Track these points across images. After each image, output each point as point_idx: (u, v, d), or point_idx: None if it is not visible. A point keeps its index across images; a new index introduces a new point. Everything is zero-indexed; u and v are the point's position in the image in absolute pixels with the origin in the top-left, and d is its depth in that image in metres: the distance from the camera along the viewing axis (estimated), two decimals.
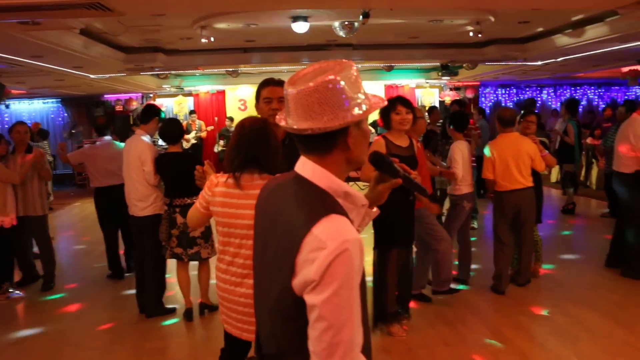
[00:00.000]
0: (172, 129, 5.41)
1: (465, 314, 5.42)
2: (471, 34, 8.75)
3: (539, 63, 12.28)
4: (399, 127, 4.67)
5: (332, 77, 1.51)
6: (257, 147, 2.82)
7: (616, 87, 19.08)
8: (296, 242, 1.46)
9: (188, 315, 5.46)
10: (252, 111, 16.46)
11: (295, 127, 1.55)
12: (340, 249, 1.40)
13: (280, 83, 3.29)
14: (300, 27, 7.81)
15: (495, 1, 6.20)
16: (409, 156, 4.63)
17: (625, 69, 14.04)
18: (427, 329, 5.06)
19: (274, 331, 1.62)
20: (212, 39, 8.41)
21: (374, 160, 1.80)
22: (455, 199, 6.07)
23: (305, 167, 1.61)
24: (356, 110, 1.53)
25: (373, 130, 12.74)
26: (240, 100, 16.81)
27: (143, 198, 5.40)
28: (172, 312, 5.67)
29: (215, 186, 2.90)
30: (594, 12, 7.81)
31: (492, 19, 8.05)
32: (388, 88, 17.27)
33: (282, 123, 1.62)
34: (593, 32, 8.54)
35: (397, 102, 4.67)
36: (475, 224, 8.91)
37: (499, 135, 5.91)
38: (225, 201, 2.84)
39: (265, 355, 1.70)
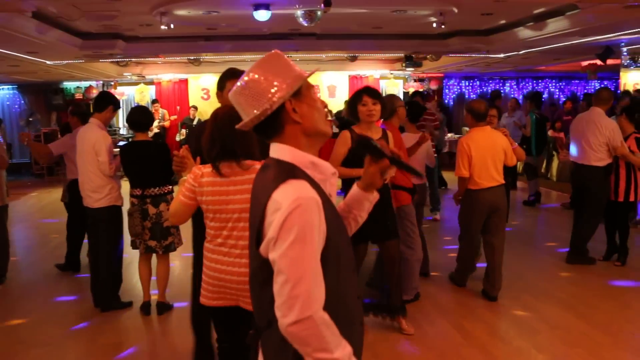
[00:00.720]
0: (141, 116, 5.23)
1: (425, 306, 5.41)
2: (435, 25, 8.73)
3: (502, 55, 12.38)
4: (367, 118, 4.47)
5: (248, 74, 1.74)
6: (231, 136, 2.83)
7: (576, 81, 19.39)
8: (262, 211, 1.64)
9: (146, 309, 5.32)
10: (215, 100, 16.18)
11: (247, 121, 1.74)
12: (293, 206, 1.55)
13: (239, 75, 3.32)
14: (262, 15, 7.68)
15: None
16: None
17: (585, 63, 14.25)
18: (386, 321, 5.02)
19: (260, 302, 1.75)
20: (172, 25, 8.22)
21: (359, 144, 1.89)
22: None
23: (273, 149, 1.78)
24: (285, 88, 1.70)
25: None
26: (203, 89, 16.54)
27: (97, 189, 5.23)
28: (128, 306, 5.52)
29: (201, 177, 2.94)
30: (555, 5, 7.85)
31: (456, 10, 8.04)
32: (352, 79, 17.21)
33: (239, 125, 1.78)
34: (554, 25, 8.61)
35: (362, 93, 4.50)
36: (437, 215, 8.95)
37: (472, 129, 5.51)
38: (214, 189, 2.90)
39: (258, 327, 1.79)
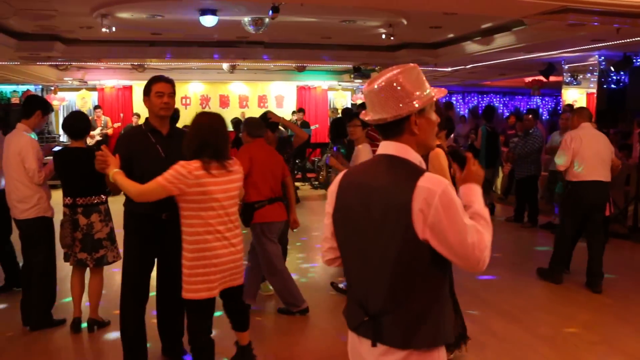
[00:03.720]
0: (77, 122, 4.93)
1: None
2: (384, 36, 8.71)
3: (449, 69, 12.52)
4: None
5: (395, 77, 1.96)
6: (218, 138, 3.46)
7: (519, 96, 19.86)
8: (407, 197, 1.88)
9: (76, 326, 4.97)
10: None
11: (374, 118, 2.01)
12: (443, 185, 1.88)
13: (170, 81, 3.82)
14: (209, 21, 7.48)
15: (405, 1, 6.09)
16: None
17: (529, 79, 14.59)
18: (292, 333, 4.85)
19: (395, 285, 1.96)
20: (113, 28, 7.91)
21: (454, 154, 2.35)
22: None
23: (388, 147, 2.04)
24: (415, 104, 1.95)
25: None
26: None
27: (24, 199, 4.87)
28: (61, 323, 5.15)
29: (195, 170, 3.33)
30: (502, 20, 7.95)
31: (405, 22, 8.04)
32: (300, 89, 17.14)
33: (367, 118, 2.04)
34: (501, 40, 8.74)
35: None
36: None
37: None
38: (209, 181, 3.37)
39: (380, 312, 1.98)
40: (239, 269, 3.67)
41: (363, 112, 2.10)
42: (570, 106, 10.28)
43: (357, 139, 5.80)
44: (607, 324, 5.20)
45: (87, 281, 5.06)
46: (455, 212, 1.88)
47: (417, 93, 1.97)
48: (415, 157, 2.02)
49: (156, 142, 3.79)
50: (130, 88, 16.25)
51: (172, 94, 3.80)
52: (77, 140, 4.89)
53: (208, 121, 3.52)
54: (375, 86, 1.98)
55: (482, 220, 1.99)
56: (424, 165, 2.03)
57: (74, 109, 15.69)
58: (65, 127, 4.96)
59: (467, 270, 1.94)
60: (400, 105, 1.95)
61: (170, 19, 8.18)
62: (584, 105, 15.40)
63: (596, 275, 6.09)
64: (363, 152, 5.66)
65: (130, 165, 3.64)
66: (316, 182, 13.54)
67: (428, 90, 2.01)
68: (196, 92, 16.58)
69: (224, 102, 16.78)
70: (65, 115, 5.00)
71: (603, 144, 6.15)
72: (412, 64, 2.04)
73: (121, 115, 15.43)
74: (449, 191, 1.88)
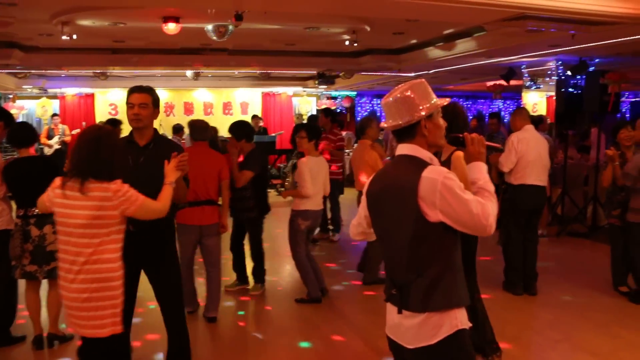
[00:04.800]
0: (23, 131, 4.83)
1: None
2: (347, 43, 8.77)
3: (413, 74, 12.64)
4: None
5: (406, 90, 2.42)
6: (80, 156, 3.12)
7: (482, 100, 20.19)
8: (414, 186, 2.33)
9: (38, 342, 4.81)
10: (124, 117, 15.55)
11: (392, 124, 2.45)
12: (444, 174, 2.32)
13: (142, 90, 3.75)
14: (172, 29, 7.42)
15: (368, 8, 6.14)
16: None
17: (490, 83, 14.85)
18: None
19: (414, 257, 2.40)
20: (74, 36, 7.78)
21: (453, 140, 2.66)
22: (291, 215, 5.83)
23: (403, 149, 2.49)
24: (422, 112, 2.40)
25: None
26: (111, 104, 15.95)
27: None
28: (21, 341, 5.00)
29: (56, 187, 3.13)
30: (463, 26, 8.08)
31: (368, 28, 8.11)
32: (265, 96, 17.13)
33: (386, 125, 2.50)
34: (462, 46, 8.88)
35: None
36: (336, 236, 8.77)
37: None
38: (58, 201, 3.12)
39: (404, 283, 2.41)
40: (82, 315, 3.11)
41: (383, 121, 2.56)
42: (496, 114, 10.60)
43: (304, 150, 5.86)
44: (569, 322, 5.32)
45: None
46: (456, 192, 2.30)
47: (425, 103, 2.41)
48: (425, 155, 2.45)
49: (130, 152, 3.70)
50: (92, 96, 16.01)
51: (144, 104, 3.72)
52: (24, 149, 4.79)
53: (80, 136, 3.24)
54: (391, 99, 2.44)
55: (486, 192, 2.44)
56: (434, 162, 2.44)
57: (34, 119, 15.40)
58: (8, 137, 4.85)
59: (479, 235, 2.41)
60: (412, 113, 2.40)
61: (132, 27, 8.10)
62: (545, 108, 15.82)
63: (533, 279, 6.10)
64: (302, 166, 5.66)
65: None
66: (282, 189, 13.50)
67: (434, 100, 2.44)
68: (160, 99, 16.39)
69: (189, 109, 16.66)
70: None
71: (544, 148, 6.17)
72: (419, 80, 2.50)
73: (83, 123, 15.12)
74: (448, 177, 2.31)
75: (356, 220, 2.75)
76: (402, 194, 2.39)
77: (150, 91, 3.79)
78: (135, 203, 3.12)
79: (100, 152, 3.10)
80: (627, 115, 21.28)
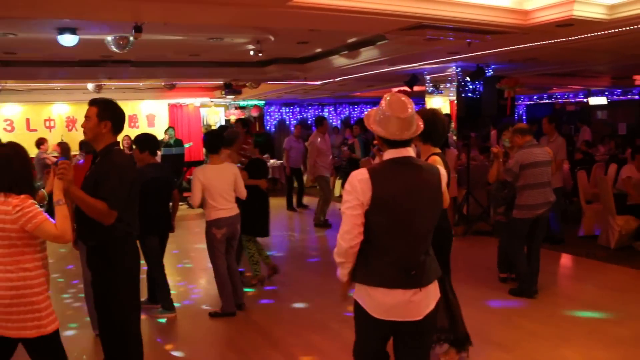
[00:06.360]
0: None
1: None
2: (252, 53, 8.74)
3: (319, 83, 12.78)
4: None
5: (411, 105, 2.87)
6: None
7: None
8: (438, 180, 2.95)
9: None
10: (20, 132, 14.89)
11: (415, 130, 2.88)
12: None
13: (90, 102, 3.73)
14: (68, 40, 7.10)
15: (268, 19, 6.14)
16: None
17: (395, 90, 15.23)
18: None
19: (429, 241, 2.95)
20: None
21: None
22: (205, 226, 5.80)
23: (406, 152, 2.88)
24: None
25: None
26: (5, 120, 15.08)
27: None
28: None
29: None
30: (365, 35, 8.24)
31: (272, 38, 8.10)
32: (172, 107, 16.79)
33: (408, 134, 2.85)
34: (366, 54, 9.05)
35: None
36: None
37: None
38: None
39: (419, 264, 2.86)
40: (4, 318, 3.20)
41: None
42: None
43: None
44: (475, 317, 5.46)
45: None
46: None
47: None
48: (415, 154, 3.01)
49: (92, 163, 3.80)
50: None
51: (88, 117, 3.68)
52: None
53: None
54: (409, 113, 2.81)
55: None
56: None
57: None
58: None
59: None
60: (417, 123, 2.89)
61: (24, 38, 7.70)
62: (448, 111, 16.39)
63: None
64: (193, 175, 5.76)
65: None
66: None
67: None
68: (61, 113, 15.69)
69: None
70: None
71: None
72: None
73: None
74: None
75: (356, 231, 2.80)
76: (431, 188, 2.90)
77: (97, 104, 3.70)
78: (32, 221, 3.12)
79: (11, 167, 3.23)
80: (524, 118, 22.49)
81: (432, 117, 4.13)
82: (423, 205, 2.85)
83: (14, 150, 3.31)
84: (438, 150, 4.25)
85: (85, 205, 3.44)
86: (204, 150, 7.96)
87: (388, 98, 2.82)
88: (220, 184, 5.69)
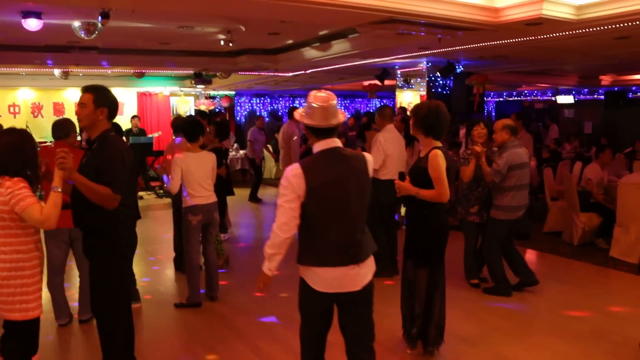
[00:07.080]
0: None
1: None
2: (222, 42, 8.66)
3: (290, 74, 12.73)
4: None
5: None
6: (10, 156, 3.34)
7: (359, 99, 20.74)
8: (365, 166, 3.18)
9: None
10: (4, 119, 14.50)
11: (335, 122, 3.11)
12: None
13: (84, 89, 3.75)
14: (33, 25, 6.93)
15: (238, 8, 6.07)
16: None
17: (366, 83, 15.27)
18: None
19: (364, 220, 3.20)
20: None
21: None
22: (182, 212, 5.86)
23: (332, 142, 3.11)
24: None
25: None
26: None
27: None
28: None
29: None
30: (337, 28, 8.22)
31: (243, 28, 8.03)
32: (141, 95, 16.54)
33: (326, 123, 3.07)
34: (337, 47, 9.05)
35: None
36: (226, 235, 8.71)
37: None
38: None
39: (357, 242, 3.15)
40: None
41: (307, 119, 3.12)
42: (403, 109, 10.93)
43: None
44: None
45: None
46: None
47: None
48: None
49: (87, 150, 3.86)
50: None
51: (83, 104, 3.70)
52: None
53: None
54: (335, 101, 3.13)
55: None
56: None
57: None
58: None
59: None
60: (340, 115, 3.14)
61: None
62: None
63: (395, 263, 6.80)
64: (173, 162, 5.71)
65: None
66: (161, 191, 13.12)
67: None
68: (26, 99, 15.31)
69: (59, 109, 15.67)
70: None
71: (403, 145, 6.88)
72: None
73: None
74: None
75: (294, 223, 3.04)
76: (360, 174, 3.12)
77: (92, 90, 3.72)
78: (20, 203, 3.22)
79: (24, 152, 3.38)
80: (493, 114, 22.76)
81: (436, 110, 4.17)
82: (354, 190, 3.09)
83: (26, 136, 3.47)
84: (439, 144, 4.30)
85: (90, 191, 3.49)
86: (172, 136, 7.82)
87: (313, 93, 3.10)
88: (199, 172, 5.72)
